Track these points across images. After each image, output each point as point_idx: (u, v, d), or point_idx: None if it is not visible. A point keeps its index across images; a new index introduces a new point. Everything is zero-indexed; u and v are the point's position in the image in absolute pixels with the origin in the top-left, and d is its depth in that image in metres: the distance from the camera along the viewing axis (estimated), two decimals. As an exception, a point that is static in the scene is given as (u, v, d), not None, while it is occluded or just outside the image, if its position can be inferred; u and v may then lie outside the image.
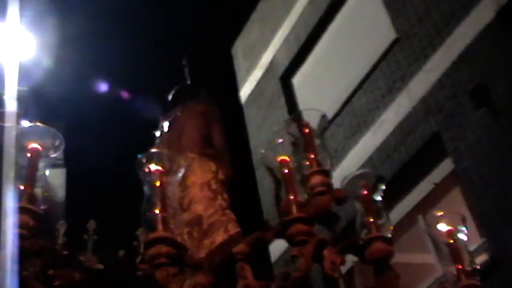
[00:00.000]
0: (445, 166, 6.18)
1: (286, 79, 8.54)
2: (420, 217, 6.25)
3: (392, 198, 6.58)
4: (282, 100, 8.39)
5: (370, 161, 6.89)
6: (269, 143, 1.93)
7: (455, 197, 6.15)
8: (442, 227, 2.06)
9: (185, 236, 2.34)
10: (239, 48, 9.68)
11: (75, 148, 9.98)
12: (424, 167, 6.37)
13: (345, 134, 7.35)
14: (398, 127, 6.64)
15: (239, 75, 9.51)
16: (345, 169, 7.13)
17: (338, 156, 7.32)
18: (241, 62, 9.55)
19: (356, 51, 7.48)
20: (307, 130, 1.91)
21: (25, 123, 1.89)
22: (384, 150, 6.77)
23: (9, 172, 1.70)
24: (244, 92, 9.28)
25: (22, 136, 1.81)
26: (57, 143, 1.85)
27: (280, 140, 1.86)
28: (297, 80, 8.48)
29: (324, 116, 1.99)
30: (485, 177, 5.64)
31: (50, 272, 1.55)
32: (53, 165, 9.34)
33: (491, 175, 5.59)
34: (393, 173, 6.63)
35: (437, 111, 6.25)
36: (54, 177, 8.93)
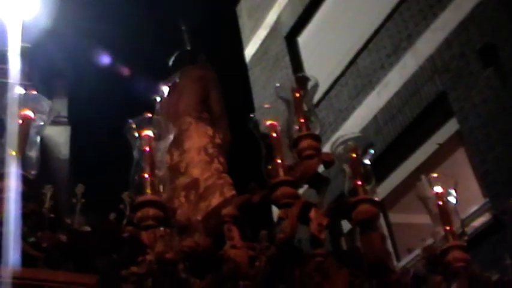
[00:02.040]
0: (450, 126, 6.14)
1: (291, 38, 8.42)
2: (423, 177, 6.25)
3: (396, 158, 6.59)
4: (287, 59, 8.30)
5: (374, 121, 6.86)
6: (260, 109, 1.93)
7: (460, 158, 6.14)
8: (435, 189, 2.06)
9: (182, 199, 2.38)
10: (244, 7, 9.52)
11: (79, 105, 10.01)
12: (429, 127, 6.33)
13: (349, 94, 7.29)
14: (404, 87, 6.56)
15: (244, 34, 9.38)
16: (349, 129, 7.11)
17: (342, 116, 7.30)
18: (245, 21, 9.41)
19: (362, 10, 7.33)
20: (297, 95, 1.90)
21: (19, 90, 1.90)
22: (388, 110, 6.73)
23: (12, 140, 1.72)
24: (249, 51, 9.18)
25: (15, 102, 1.83)
26: (47, 110, 1.88)
27: (267, 105, 1.86)
28: (302, 40, 8.36)
29: (315, 83, 1.96)
30: (490, 138, 5.61)
31: (38, 234, 1.58)
32: (58, 123, 9.40)
33: (496, 135, 5.55)
34: (397, 133, 6.61)
35: (443, 70, 6.16)
36: (58, 135, 9.00)
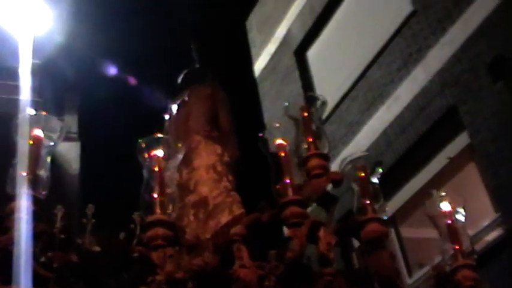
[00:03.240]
0: (461, 140, 6.11)
1: (300, 53, 8.46)
2: (434, 192, 6.21)
3: (406, 172, 6.55)
4: (296, 74, 8.33)
5: (384, 135, 6.84)
6: (269, 127, 1.94)
7: (471, 172, 6.09)
8: (443, 207, 2.05)
9: (191, 217, 2.39)
10: (253, 22, 9.59)
11: (89, 121, 10.09)
12: (440, 141, 6.31)
13: (359, 108, 7.29)
14: (414, 101, 6.55)
15: (253, 49, 9.44)
16: (359, 143, 7.10)
17: (352, 130, 7.29)
18: (255, 36, 9.48)
19: (372, 24, 7.35)
20: (305, 114, 1.91)
21: (30, 111, 1.93)
22: (398, 124, 6.71)
23: (22, 159, 1.75)
24: (259, 65, 9.23)
25: (26, 124, 1.86)
26: (58, 132, 1.91)
27: (277, 124, 1.87)
28: (311, 54, 8.39)
29: (324, 102, 1.98)
30: (502, 152, 5.57)
31: (49, 254, 1.59)
32: (68, 139, 9.48)
33: (507, 149, 5.52)
34: (408, 147, 6.58)
35: (453, 84, 6.15)
36: (69, 151, 9.07)
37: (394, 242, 6.52)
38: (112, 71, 9.24)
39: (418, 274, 6.02)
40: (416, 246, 6.45)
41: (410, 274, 6.28)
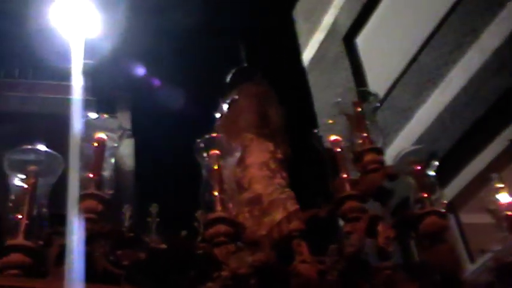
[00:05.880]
0: (521, 121, 5.89)
1: (349, 40, 8.35)
2: (494, 176, 6.03)
3: (464, 157, 6.38)
4: (346, 61, 8.23)
5: (439, 120, 6.68)
6: (324, 125, 1.96)
7: (533, 154, 5.88)
8: (502, 198, 2.01)
9: (246, 215, 2.43)
10: (300, 11, 9.53)
11: (142, 119, 10.36)
12: (498, 123, 6.09)
13: (411, 94, 7.14)
14: (469, 83, 6.35)
15: (301, 38, 9.39)
16: (413, 130, 6.96)
17: (406, 115, 7.15)
18: (302, 25, 9.42)
19: (422, 6, 7.16)
20: (358, 109, 1.92)
21: (92, 115, 2.02)
22: (454, 108, 6.53)
23: (75, 160, 1.84)
24: (307, 55, 9.18)
25: (89, 127, 1.96)
26: (120, 133, 2.00)
27: (331, 121, 1.88)
28: (360, 40, 8.27)
29: (375, 95, 1.98)
30: None
31: (118, 252, 1.68)
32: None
33: None
34: (464, 131, 6.40)
35: (511, 64, 5.91)
36: (123, 147, 9.38)
37: (454, 228, 6.39)
38: (162, 70, 9.43)
39: (481, 260, 5.87)
40: (477, 231, 6.29)
41: (472, 260, 6.15)
